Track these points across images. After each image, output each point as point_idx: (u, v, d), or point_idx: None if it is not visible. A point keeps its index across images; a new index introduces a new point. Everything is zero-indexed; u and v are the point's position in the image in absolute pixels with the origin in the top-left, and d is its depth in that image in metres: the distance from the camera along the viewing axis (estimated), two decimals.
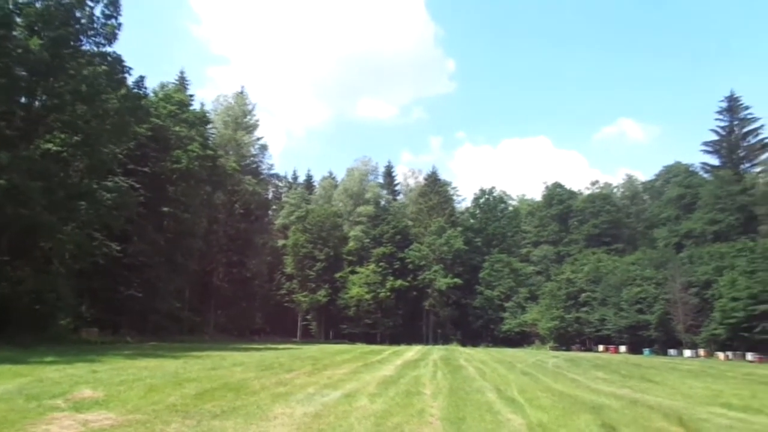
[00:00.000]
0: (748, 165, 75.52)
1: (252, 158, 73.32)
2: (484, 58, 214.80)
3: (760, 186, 66.66)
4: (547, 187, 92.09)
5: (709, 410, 14.36)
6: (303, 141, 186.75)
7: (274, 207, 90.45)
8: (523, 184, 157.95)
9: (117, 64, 33.92)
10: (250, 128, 72.63)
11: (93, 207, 33.09)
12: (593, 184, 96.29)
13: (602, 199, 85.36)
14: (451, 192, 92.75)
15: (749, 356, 45.03)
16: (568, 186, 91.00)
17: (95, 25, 32.55)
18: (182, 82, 62.67)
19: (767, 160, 72.45)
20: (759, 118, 74.42)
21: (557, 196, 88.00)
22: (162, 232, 47.25)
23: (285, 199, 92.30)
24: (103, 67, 32.72)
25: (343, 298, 76.76)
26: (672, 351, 53.19)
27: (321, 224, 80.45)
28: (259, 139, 74.00)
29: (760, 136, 74.10)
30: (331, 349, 41.55)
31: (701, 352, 50.67)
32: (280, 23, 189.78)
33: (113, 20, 33.00)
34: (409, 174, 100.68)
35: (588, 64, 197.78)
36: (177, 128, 49.39)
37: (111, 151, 35.83)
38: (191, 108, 54.93)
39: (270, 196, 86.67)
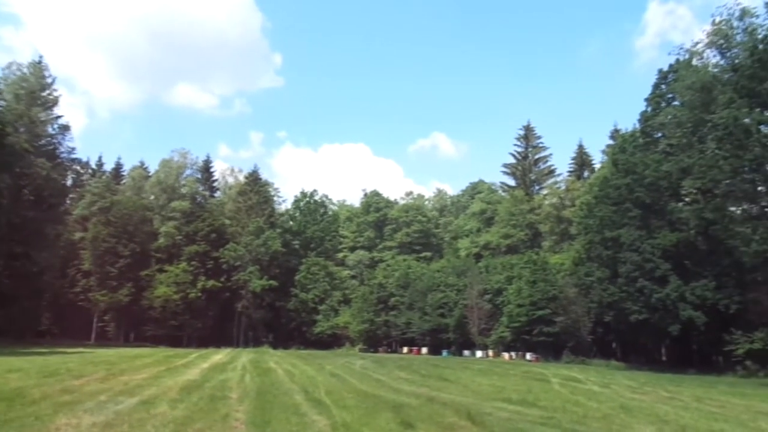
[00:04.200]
0: (537, 188, 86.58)
1: (49, 139, 64.90)
2: (310, 57, 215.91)
3: (545, 207, 76.44)
4: (365, 194, 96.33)
5: (493, 405, 16.01)
6: (108, 123, 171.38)
7: (72, 195, 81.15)
8: (343, 189, 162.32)
9: None
10: (48, 104, 64.18)
11: None
12: (408, 194, 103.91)
13: (415, 209, 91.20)
14: (272, 192, 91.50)
15: (528, 356, 51.10)
16: (384, 194, 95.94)
17: None
18: None
19: (552, 185, 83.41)
20: (548, 147, 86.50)
21: (374, 203, 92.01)
22: None
23: (87, 188, 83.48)
24: None
25: (149, 298, 71.56)
26: (466, 352, 57.82)
27: (128, 217, 74.23)
28: (58, 117, 65.81)
29: (548, 163, 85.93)
30: (131, 352, 38.63)
31: (490, 352, 56.00)
32: None
33: None
34: (228, 171, 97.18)
35: (407, 74, 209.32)
36: None
37: None
38: None
39: (69, 182, 77.65)
